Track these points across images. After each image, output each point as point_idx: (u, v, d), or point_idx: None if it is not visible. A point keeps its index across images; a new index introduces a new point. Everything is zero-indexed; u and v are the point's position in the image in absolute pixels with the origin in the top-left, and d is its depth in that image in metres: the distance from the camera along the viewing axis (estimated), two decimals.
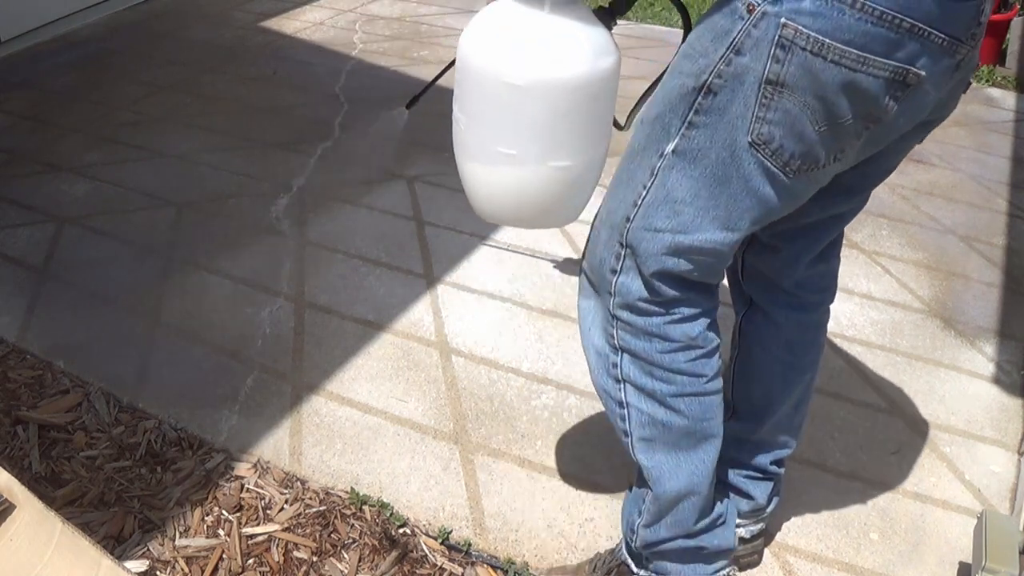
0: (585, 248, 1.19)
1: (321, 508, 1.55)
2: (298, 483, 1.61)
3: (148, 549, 1.47)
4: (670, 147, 1.00)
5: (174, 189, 2.56)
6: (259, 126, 2.94)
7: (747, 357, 1.34)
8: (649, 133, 1.03)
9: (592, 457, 1.66)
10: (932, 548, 1.52)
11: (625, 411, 1.18)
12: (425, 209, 2.47)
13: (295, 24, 3.87)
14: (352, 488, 1.59)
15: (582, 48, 1.08)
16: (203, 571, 1.44)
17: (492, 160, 1.16)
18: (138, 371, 1.87)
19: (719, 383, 1.17)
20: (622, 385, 1.16)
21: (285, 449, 1.68)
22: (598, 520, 1.55)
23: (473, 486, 1.61)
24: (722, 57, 0.93)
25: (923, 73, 0.89)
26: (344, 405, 1.79)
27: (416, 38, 3.73)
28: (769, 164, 0.96)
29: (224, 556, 1.47)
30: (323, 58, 3.50)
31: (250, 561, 1.46)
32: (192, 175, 2.64)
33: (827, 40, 0.86)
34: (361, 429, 1.73)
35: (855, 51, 0.86)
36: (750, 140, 0.95)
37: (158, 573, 1.44)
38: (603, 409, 1.23)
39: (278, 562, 1.46)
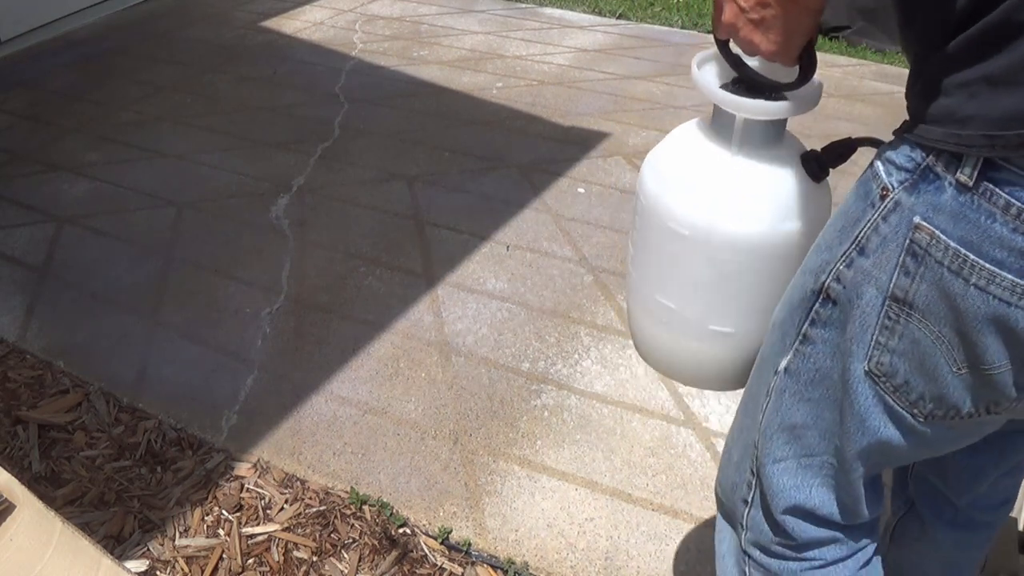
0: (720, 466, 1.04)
1: (321, 508, 1.56)
2: (298, 483, 1.61)
3: (148, 549, 1.47)
4: (783, 363, 0.83)
5: (174, 189, 2.56)
6: (259, 126, 2.94)
7: (895, 564, 1.12)
8: (773, 342, 0.85)
9: (592, 457, 1.66)
10: None
11: None
12: (425, 209, 2.47)
13: (295, 24, 3.87)
14: (352, 488, 1.59)
15: (764, 204, 0.90)
16: (203, 571, 1.44)
17: (650, 307, 1.05)
18: (138, 371, 1.87)
19: None
20: None
21: (285, 449, 1.68)
22: (598, 520, 1.55)
23: (473, 486, 1.61)
24: (844, 255, 0.73)
25: None
26: (344, 405, 1.79)
27: (416, 38, 3.73)
28: (891, 401, 0.74)
29: (224, 556, 1.47)
30: (323, 58, 3.50)
31: (250, 561, 1.46)
32: (192, 175, 2.64)
33: (970, 256, 0.62)
34: (361, 429, 1.73)
35: (1009, 276, 0.61)
36: (867, 369, 0.73)
37: (158, 573, 1.44)
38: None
39: (278, 562, 1.46)
